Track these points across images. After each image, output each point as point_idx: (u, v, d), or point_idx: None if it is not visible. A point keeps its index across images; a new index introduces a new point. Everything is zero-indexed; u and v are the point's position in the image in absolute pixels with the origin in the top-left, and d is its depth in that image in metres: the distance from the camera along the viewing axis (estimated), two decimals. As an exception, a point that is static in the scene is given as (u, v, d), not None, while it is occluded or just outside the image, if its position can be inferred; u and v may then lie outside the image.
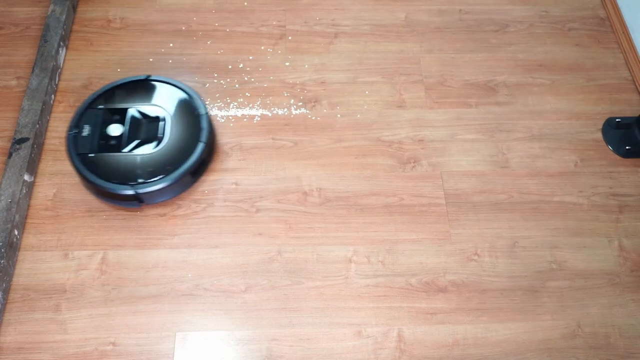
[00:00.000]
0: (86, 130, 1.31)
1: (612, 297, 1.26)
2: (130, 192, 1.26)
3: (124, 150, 1.30)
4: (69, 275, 1.23)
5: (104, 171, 1.28)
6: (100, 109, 1.35)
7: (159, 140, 1.32)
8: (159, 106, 1.36)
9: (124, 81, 1.40)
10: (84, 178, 1.28)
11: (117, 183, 1.26)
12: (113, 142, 1.31)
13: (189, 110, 1.36)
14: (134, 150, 1.31)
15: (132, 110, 1.35)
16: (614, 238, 1.34)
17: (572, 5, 1.73)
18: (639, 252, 1.32)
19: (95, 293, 1.22)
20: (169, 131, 1.33)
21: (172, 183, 1.28)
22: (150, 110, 1.36)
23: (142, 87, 1.40)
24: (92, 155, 1.30)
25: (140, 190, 1.26)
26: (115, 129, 1.31)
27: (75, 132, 1.30)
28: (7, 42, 1.56)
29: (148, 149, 1.31)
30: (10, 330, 1.17)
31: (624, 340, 1.21)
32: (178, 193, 1.32)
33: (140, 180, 1.27)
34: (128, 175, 1.27)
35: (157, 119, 1.34)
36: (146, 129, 1.34)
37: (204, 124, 1.34)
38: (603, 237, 1.34)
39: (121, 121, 1.33)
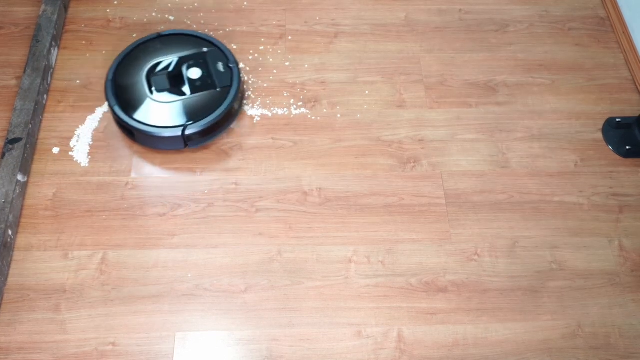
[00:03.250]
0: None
1: (612, 297, 1.26)
2: (178, 133, 1.32)
3: (167, 99, 1.37)
4: (68, 275, 1.23)
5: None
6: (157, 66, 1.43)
7: (197, 88, 1.39)
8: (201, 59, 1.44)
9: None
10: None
11: (163, 127, 1.33)
12: (159, 89, 1.38)
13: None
14: (175, 97, 1.38)
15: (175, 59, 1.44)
16: (614, 238, 1.34)
17: (572, 5, 1.73)
18: (639, 252, 1.32)
19: (95, 293, 1.21)
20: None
21: (212, 125, 1.35)
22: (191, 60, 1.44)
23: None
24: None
25: (188, 132, 1.32)
26: (193, 73, 1.40)
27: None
28: (6, 42, 1.55)
29: (189, 95, 1.38)
30: (10, 330, 1.17)
31: (624, 340, 1.21)
32: (216, 136, 1.40)
33: (184, 123, 1.33)
34: (173, 120, 1.35)
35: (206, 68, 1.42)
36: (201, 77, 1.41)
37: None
38: (603, 237, 1.34)
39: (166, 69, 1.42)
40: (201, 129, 1.34)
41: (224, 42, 1.55)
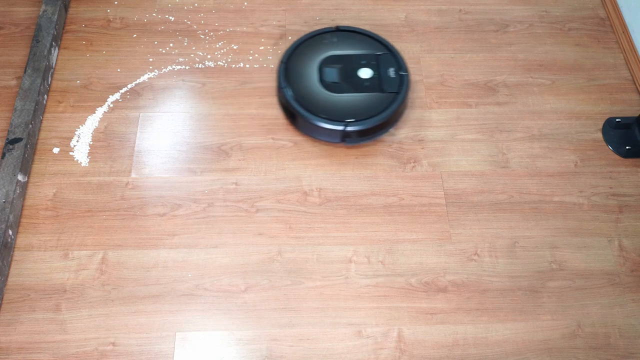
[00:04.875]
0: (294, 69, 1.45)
1: (612, 297, 1.26)
2: (340, 127, 1.36)
3: (335, 92, 1.42)
4: (69, 275, 1.23)
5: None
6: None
7: (367, 88, 1.42)
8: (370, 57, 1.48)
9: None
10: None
11: (326, 119, 1.37)
12: (328, 81, 1.43)
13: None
14: (342, 93, 1.42)
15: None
16: (614, 238, 1.34)
17: (572, 5, 1.73)
18: (639, 252, 1.32)
19: (95, 293, 1.22)
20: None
21: (373, 127, 1.38)
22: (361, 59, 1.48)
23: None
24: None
25: (349, 128, 1.36)
26: (364, 72, 1.43)
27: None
28: (7, 42, 1.56)
29: (355, 93, 1.42)
30: (10, 330, 1.17)
31: (624, 340, 1.21)
32: (374, 138, 1.42)
33: (347, 120, 1.37)
34: (337, 114, 1.38)
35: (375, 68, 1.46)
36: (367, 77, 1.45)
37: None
38: (603, 237, 1.34)
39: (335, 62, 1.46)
40: (362, 129, 1.37)
41: (392, 47, 1.54)
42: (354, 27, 1.53)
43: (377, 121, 1.38)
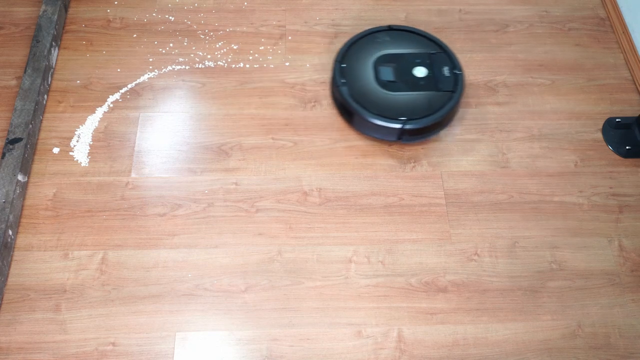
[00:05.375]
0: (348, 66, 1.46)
1: (612, 297, 1.26)
2: (398, 126, 1.36)
3: (391, 91, 1.42)
4: (69, 275, 1.23)
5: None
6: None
7: (422, 87, 1.43)
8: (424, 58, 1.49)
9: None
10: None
11: (384, 117, 1.37)
12: (384, 79, 1.43)
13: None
14: (398, 91, 1.42)
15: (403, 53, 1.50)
16: (614, 238, 1.34)
17: (572, 5, 1.73)
18: (639, 252, 1.32)
19: (95, 293, 1.22)
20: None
21: (429, 125, 1.39)
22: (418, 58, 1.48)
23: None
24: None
25: (407, 126, 1.36)
26: (419, 71, 1.43)
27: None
28: (7, 42, 1.56)
29: (411, 92, 1.43)
30: (10, 330, 1.17)
31: (624, 340, 1.21)
32: (429, 137, 1.43)
33: (399, 116, 1.37)
34: (394, 112, 1.39)
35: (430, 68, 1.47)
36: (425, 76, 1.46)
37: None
38: (603, 237, 1.34)
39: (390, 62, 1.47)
40: (419, 127, 1.38)
41: (440, 43, 1.54)
42: (406, 26, 1.54)
43: (434, 120, 1.39)
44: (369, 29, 1.53)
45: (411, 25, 1.65)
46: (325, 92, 1.51)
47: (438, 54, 1.48)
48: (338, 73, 1.44)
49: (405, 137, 1.40)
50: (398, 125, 1.37)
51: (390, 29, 1.53)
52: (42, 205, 1.31)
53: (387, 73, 1.43)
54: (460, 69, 1.45)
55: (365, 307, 1.23)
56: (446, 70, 1.44)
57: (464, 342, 1.20)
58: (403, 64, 1.47)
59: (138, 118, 1.45)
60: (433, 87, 1.43)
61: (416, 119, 1.38)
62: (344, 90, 1.40)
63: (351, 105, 1.39)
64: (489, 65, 1.59)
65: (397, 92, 1.42)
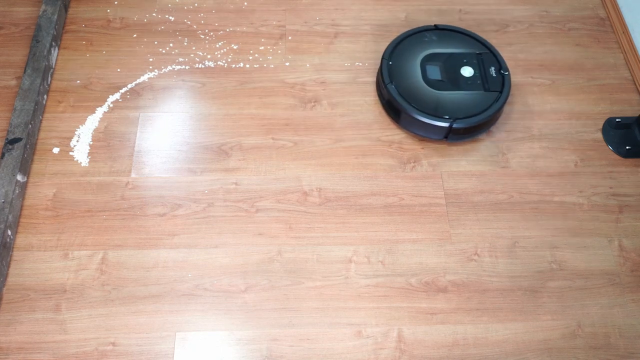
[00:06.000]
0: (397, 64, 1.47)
1: (612, 297, 1.26)
2: (446, 124, 1.37)
3: (439, 90, 1.43)
4: (69, 275, 1.23)
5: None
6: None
7: (470, 86, 1.44)
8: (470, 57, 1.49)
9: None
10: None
11: (432, 115, 1.38)
12: (432, 78, 1.44)
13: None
14: (446, 90, 1.43)
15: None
16: (614, 238, 1.34)
17: (572, 5, 1.73)
18: (639, 252, 1.32)
19: (95, 293, 1.22)
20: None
21: (477, 125, 1.39)
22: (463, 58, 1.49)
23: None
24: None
25: (455, 125, 1.37)
26: (466, 71, 1.44)
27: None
28: (7, 42, 1.56)
29: (459, 91, 1.43)
30: (10, 330, 1.17)
31: (624, 340, 1.21)
32: (475, 136, 1.44)
33: (446, 115, 1.38)
34: (442, 111, 1.40)
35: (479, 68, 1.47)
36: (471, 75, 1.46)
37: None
38: (603, 237, 1.34)
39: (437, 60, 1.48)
40: (467, 126, 1.38)
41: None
42: (452, 26, 1.55)
43: (482, 119, 1.39)
44: (414, 28, 1.54)
45: (411, 26, 1.65)
46: (325, 92, 1.51)
47: (485, 54, 1.49)
48: (386, 71, 1.45)
49: (452, 136, 1.40)
50: (446, 124, 1.37)
51: (436, 28, 1.54)
52: (42, 205, 1.31)
53: (435, 72, 1.44)
54: (507, 70, 1.46)
55: (365, 307, 1.23)
56: (493, 71, 1.45)
57: (464, 342, 1.20)
58: (450, 63, 1.47)
59: (138, 118, 1.45)
60: (480, 87, 1.44)
61: (464, 118, 1.38)
62: (392, 87, 1.41)
63: (399, 103, 1.40)
64: (489, 65, 1.59)
65: (445, 91, 1.43)
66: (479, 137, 1.45)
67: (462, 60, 1.48)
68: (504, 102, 1.42)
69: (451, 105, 1.40)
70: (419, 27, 1.54)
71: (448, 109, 1.40)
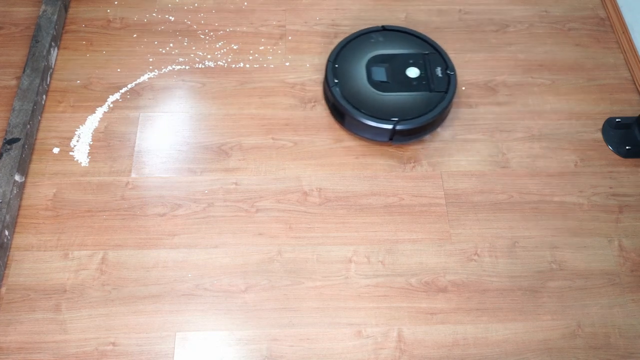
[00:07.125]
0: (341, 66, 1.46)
1: (612, 297, 1.26)
2: (389, 126, 1.36)
3: (384, 91, 1.42)
4: (69, 275, 1.23)
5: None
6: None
7: (415, 87, 1.43)
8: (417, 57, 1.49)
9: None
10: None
11: (376, 118, 1.37)
12: (377, 80, 1.43)
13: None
14: (390, 92, 1.42)
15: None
16: (614, 238, 1.34)
17: (572, 5, 1.73)
18: (639, 252, 1.32)
19: (95, 293, 1.22)
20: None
21: (421, 126, 1.38)
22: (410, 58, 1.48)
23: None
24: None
25: (398, 127, 1.36)
26: (411, 72, 1.43)
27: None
28: (7, 42, 1.56)
29: (404, 92, 1.43)
30: (10, 330, 1.17)
31: (624, 340, 1.21)
32: (420, 137, 1.43)
33: (391, 117, 1.37)
34: (386, 112, 1.39)
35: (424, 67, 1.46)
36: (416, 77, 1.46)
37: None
38: (603, 237, 1.34)
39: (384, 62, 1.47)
40: (411, 127, 1.38)
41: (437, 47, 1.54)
42: (399, 27, 1.54)
43: (425, 120, 1.38)
44: (362, 29, 1.53)
45: (410, 26, 1.65)
46: (325, 92, 1.52)
47: (431, 55, 1.48)
48: (331, 73, 1.44)
49: (396, 137, 1.40)
50: (389, 126, 1.37)
51: (384, 29, 1.53)
52: (42, 205, 1.31)
53: (380, 73, 1.43)
54: (453, 70, 1.45)
55: (365, 307, 1.23)
56: (439, 71, 1.44)
57: (464, 342, 1.20)
58: (396, 64, 1.46)
59: (138, 118, 1.45)
60: (426, 87, 1.43)
61: (408, 119, 1.38)
62: (336, 90, 1.40)
63: (342, 106, 1.39)
64: (489, 65, 1.59)
65: (390, 93, 1.42)
66: (423, 138, 1.44)
67: (408, 61, 1.47)
68: (449, 103, 1.42)
69: (396, 107, 1.40)
70: (366, 29, 1.53)
71: (393, 111, 1.39)
